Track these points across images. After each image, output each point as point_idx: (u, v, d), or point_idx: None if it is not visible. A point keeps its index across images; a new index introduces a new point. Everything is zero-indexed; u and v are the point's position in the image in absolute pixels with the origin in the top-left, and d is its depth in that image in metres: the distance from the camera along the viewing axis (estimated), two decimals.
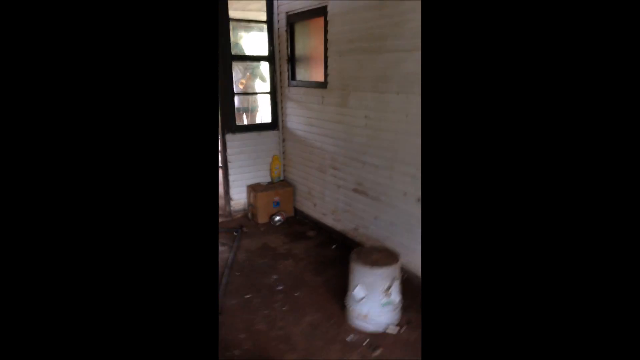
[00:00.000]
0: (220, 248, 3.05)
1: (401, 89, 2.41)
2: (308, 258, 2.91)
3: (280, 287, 2.50)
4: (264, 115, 4.59)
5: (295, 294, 2.43)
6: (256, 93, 4.55)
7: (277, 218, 3.56)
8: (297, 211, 3.78)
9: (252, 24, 4.31)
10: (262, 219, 3.58)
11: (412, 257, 2.55)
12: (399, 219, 2.61)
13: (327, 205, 3.32)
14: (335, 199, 3.20)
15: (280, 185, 3.74)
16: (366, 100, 2.71)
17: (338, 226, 3.23)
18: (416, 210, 2.45)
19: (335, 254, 2.97)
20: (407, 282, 2.47)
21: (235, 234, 3.32)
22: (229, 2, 3.33)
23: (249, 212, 3.69)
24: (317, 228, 3.44)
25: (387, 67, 2.49)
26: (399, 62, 2.39)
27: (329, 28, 2.93)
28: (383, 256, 2.11)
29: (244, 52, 4.65)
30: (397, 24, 2.36)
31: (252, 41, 4.77)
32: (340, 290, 2.33)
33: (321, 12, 2.98)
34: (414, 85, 2.30)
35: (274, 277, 2.64)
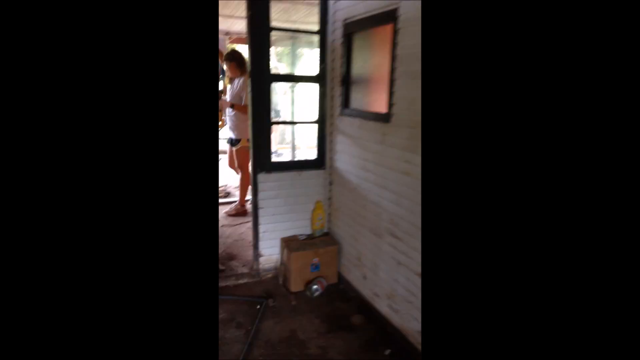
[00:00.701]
0: (234, 332, 2.27)
1: None
2: None
3: None
4: (306, 150, 3.79)
5: None
6: (302, 122, 3.77)
7: (315, 287, 2.70)
8: (341, 278, 2.89)
9: (300, 35, 3.55)
10: (295, 286, 2.75)
11: None
12: None
13: (381, 283, 2.40)
14: (393, 279, 2.27)
15: (322, 241, 2.89)
16: None
17: (395, 319, 2.29)
18: None
19: None
20: None
21: (258, 307, 2.52)
22: (272, 2, 2.59)
23: (281, 275, 2.89)
24: (365, 312, 2.52)
25: None
26: None
27: (398, 39, 2.05)
28: None
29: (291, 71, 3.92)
30: None
31: (301, 58, 4.03)
32: None
33: (389, 17, 2.11)
34: None
35: None
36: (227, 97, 3.97)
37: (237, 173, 4.14)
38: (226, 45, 5.65)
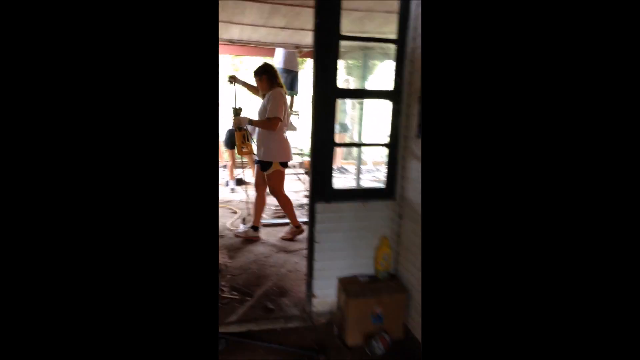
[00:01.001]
0: None
1: None
2: None
3: None
4: (371, 166, 3.35)
5: None
6: (370, 144, 3.34)
7: (376, 344, 2.24)
8: (408, 334, 2.39)
9: (373, 45, 3.16)
10: (352, 338, 2.31)
11: None
12: None
13: None
14: None
15: (387, 287, 2.42)
16: None
17: None
18: None
19: None
20: None
21: None
22: (344, 11, 2.25)
23: (336, 322, 2.46)
24: None
25: None
26: None
27: None
28: None
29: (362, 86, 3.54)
30: None
31: (374, 70, 3.64)
32: None
33: None
34: None
35: None
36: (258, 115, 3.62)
37: (260, 194, 3.68)
38: (296, 60, 5.47)
